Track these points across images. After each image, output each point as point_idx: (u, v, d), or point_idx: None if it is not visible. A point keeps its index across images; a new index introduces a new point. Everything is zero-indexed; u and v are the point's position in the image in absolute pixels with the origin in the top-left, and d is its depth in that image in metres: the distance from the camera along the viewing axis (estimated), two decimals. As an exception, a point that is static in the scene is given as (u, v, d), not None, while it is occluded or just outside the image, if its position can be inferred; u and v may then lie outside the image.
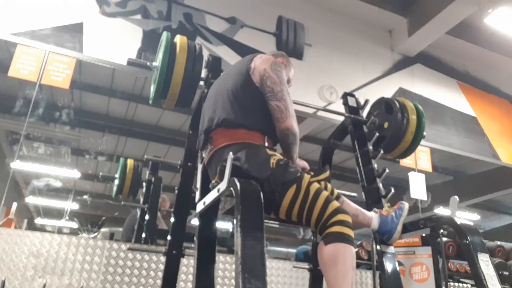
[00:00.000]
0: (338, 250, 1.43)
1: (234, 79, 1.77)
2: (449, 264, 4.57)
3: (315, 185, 1.58)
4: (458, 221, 1.65)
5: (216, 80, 1.96)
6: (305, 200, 1.53)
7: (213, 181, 1.65)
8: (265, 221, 1.32)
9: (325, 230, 1.48)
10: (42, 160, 6.69)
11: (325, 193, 1.56)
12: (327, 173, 1.69)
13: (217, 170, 1.60)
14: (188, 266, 3.12)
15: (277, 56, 2.05)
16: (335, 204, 1.53)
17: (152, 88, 2.10)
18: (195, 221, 1.87)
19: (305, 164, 1.81)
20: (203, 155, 1.79)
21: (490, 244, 5.27)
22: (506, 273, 4.72)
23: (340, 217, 1.49)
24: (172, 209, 2.25)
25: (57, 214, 9.44)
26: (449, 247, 4.67)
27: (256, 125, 1.69)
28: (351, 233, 1.47)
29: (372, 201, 2.17)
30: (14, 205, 4.25)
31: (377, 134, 2.36)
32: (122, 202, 4.01)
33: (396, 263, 1.97)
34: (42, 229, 10.48)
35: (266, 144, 1.69)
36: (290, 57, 4.76)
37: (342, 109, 2.60)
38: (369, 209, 2.12)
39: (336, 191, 1.80)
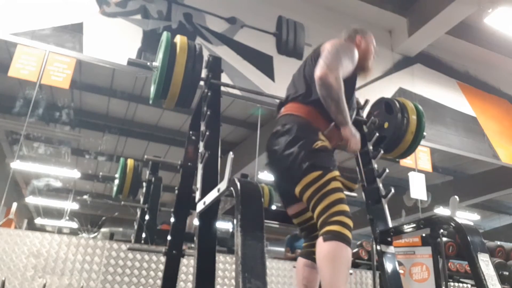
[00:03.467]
0: (336, 249, 1.45)
1: (309, 65, 1.83)
2: (449, 264, 4.57)
3: (338, 183, 1.61)
4: (458, 221, 1.65)
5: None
6: (321, 189, 1.57)
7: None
8: (265, 221, 1.32)
9: (325, 226, 1.50)
10: (42, 160, 6.69)
11: (342, 195, 1.58)
12: (355, 186, 1.71)
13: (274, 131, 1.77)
14: (188, 266, 3.12)
15: (353, 35, 2.05)
16: (345, 207, 1.55)
17: (152, 88, 2.10)
18: (195, 221, 1.87)
19: (356, 141, 1.74)
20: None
21: (490, 244, 5.27)
22: (506, 273, 4.72)
23: (344, 219, 1.51)
24: (172, 209, 2.25)
25: (57, 214, 9.45)
26: (449, 247, 4.67)
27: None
28: (350, 235, 1.49)
29: (372, 201, 2.17)
30: (14, 205, 4.25)
31: (377, 134, 2.36)
32: (122, 202, 4.01)
33: (396, 263, 1.97)
34: (42, 229, 10.49)
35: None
36: (290, 57, 4.81)
37: (342, 109, 2.60)
38: (369, 209, 2.12)
39: None
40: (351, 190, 1.71)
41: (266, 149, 1.84)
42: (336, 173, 1.63)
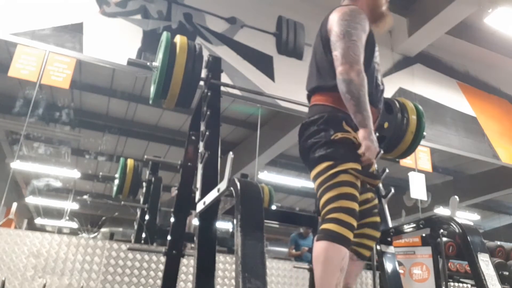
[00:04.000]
0: (327, 250, 1.40)
1: (319, 51, 1.73)
2: (449, 264, 4.57)
3: (348, 177, 1.48)
4: (458, 221, 1.65)
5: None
6: (327, 180, 1.49)
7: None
8: (265, 221, 1.32)
9: (322, 223, 1.45)
10: (42, 160, 6.70)
11: (348, 189, 1.46)
12: (375, 181, 1.58)
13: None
14: (188, 266, 3.12)
15: None
16: (347, 203, 1.44)
17: (152, 88, 2.10)
18: (195, 221, 1.87)
19: (368, 146, 1.50)
20: None
21: (490, 244, 5.26)
22: (506, 273, 4.72)
23: (341, 216, 1.42)
24: (172, 209, 2.25)
25: (57, 214, 9.46)
26: (449, 247, 4.67)
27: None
28: (346, 233, 1.41)
29: (372, 201, 2.17)
30: (14, 205, 4.25)
31: (377, 134, 2.36)
32: (122, 202, 4.01)
33: (396, 263, 1.97)
34: (42, 229, 10.49)
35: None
36: (290, 57, 4.80)
37: (342, 109, 2.60)
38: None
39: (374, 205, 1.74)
40: (372, 185, 1.59)
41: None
42: (350, 165, 1.50)
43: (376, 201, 1.78)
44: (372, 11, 1.79)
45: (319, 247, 1.42)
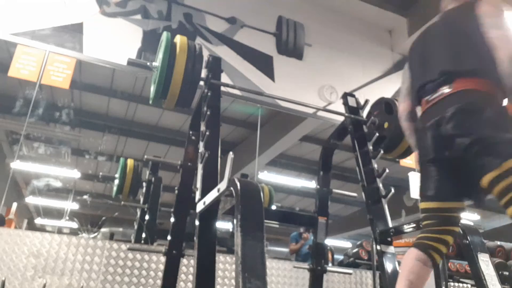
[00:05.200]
0: None
1: (460, 23, 1.68)
2: (449, 264, 4.57)
3: None
4: (458, 221, 1.65)
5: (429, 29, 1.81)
6: None
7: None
8: (265, 221, 1.32)
9: None
10: (42, 160, 6.69)
11: None
12: None
13: (450, 113, 1.51)
14: (188, 266, 3.12)
15: None
16: None
17: (152, 88, 2.10)
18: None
19: None
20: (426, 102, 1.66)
21: (490, 244, 5.26)
22: (506, 273, 4.72)
23: None
24: (172, 209, 2.25)
25: (57, 214, 9.46)
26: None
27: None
28: None
29: (372, 201, 2.17)
30: (14, 205, 4.26)
31: (377, 134, 2.36)
32: (122, 202, 4.01)
33: (396, 263, 1.97)
34: (42, 229, 10.49)
35: None
36: (290, 57, 4.80)
37: (342, 109, 2.60)
38: (369, 209, 2.12)
39: None
40: None
41: (432, 133, 1.58)
42: None
43: None
44: None
45: None
